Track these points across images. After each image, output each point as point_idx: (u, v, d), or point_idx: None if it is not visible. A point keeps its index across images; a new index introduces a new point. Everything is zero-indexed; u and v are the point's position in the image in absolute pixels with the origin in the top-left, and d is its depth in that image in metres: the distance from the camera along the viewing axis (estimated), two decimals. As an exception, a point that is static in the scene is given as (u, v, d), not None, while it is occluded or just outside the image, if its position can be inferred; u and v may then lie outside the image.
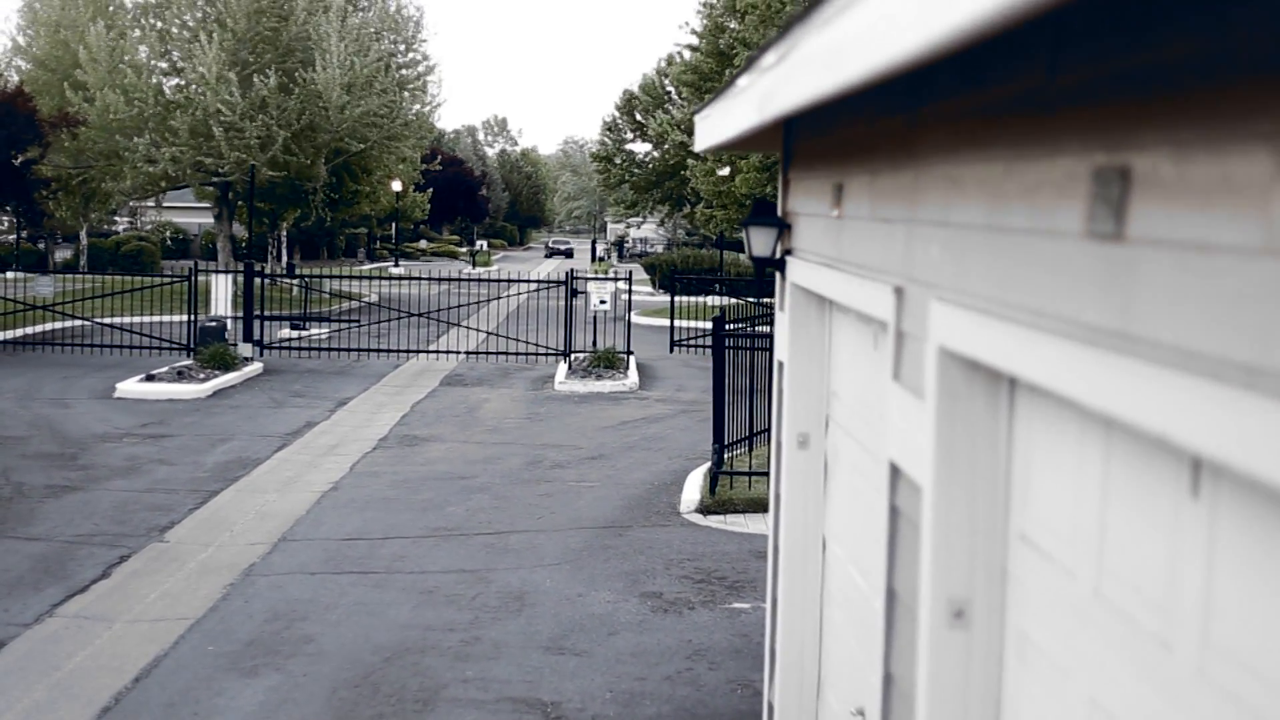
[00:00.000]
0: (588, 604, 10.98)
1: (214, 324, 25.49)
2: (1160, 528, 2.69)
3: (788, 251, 6.67)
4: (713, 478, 14.86)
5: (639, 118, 70.51)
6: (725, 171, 42.56)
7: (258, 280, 27.91)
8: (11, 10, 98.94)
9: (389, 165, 46.42)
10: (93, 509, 14.04)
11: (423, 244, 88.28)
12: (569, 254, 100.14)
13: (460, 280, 32.84)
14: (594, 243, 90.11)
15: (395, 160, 46.44)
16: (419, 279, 31.21)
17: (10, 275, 44.74)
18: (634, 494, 15.30)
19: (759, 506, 13.93)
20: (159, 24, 40.90)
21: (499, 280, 30.95)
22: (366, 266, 68.68)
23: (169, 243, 65.03)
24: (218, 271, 28.92)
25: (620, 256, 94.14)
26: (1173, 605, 2.64)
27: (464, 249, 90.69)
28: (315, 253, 67.45)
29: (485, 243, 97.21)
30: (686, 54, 54.50)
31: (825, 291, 5.60)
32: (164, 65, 40.95)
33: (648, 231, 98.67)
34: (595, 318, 28.87)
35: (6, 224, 67.13)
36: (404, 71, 45.15)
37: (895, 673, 4.31)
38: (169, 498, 14.66)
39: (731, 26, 44.45)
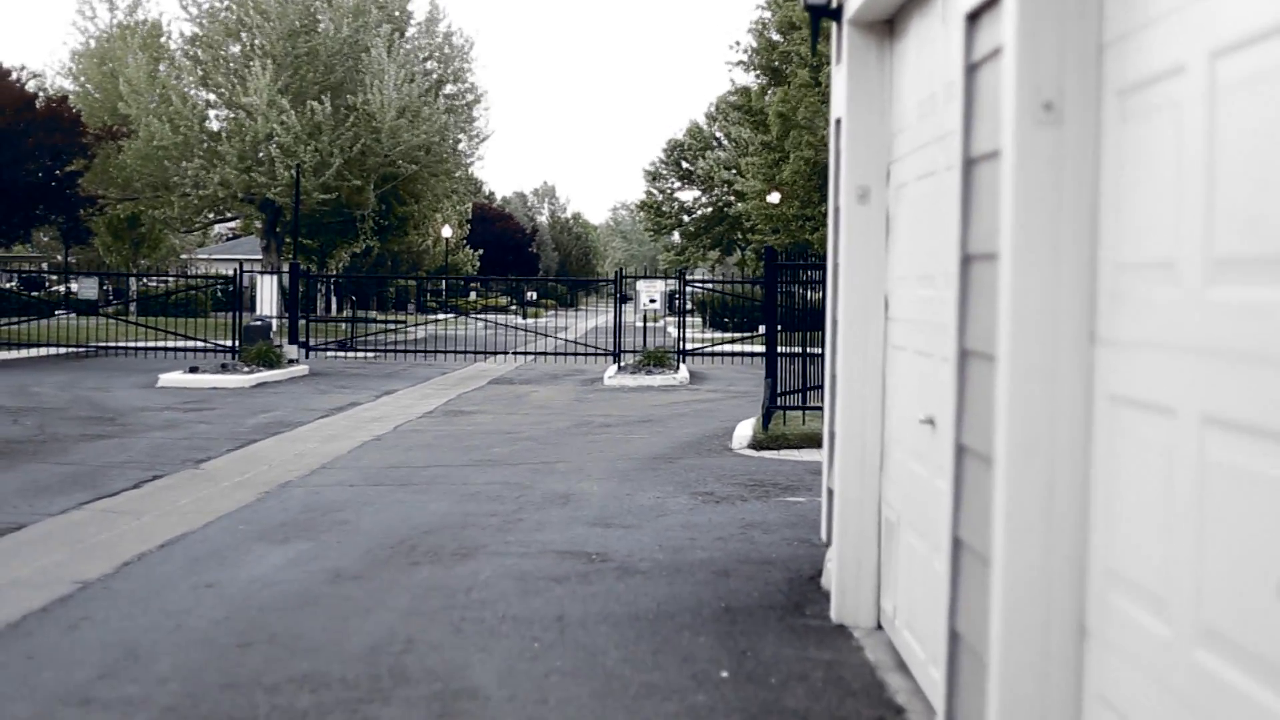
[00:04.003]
0: (635, 499, 10.49)
1: (259, 323, 25.23)
2: None
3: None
4: (766, 413, 14.32)
5: (685, 165, 70.41)
6: (775, 198, 42.23)
7: (304, 321, 27.68)
8: (58, 43, 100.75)
9: (437, 190, 46.28)
10: (128, 449, 13.69)
11: (472, 297, 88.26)
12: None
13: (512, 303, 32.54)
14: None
15: (444, 188, 46.32)
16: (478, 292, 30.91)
17: (59, 313, 44.98)
18: (683, 441, 14.81)
19: (813, 442, 13.37)
20: (201, 54, 41.03)
21: (550, 280, 30.58)
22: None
23: (219, 294, 65.27)
24: (263, 272, 28.72)
25: (670, 309, 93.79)
26: None
27: (514, 305, 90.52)
28: (365, 304, 67.59)
29: (535, 293, 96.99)
30: (738, 74, 54.49)
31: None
32: (210, 97, 41.07)
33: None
34: (645, 328, 28.44)
35: (57, 275, 67.59)
36: (453, 101, 45.01)
37: (974, 249, 3.81)
38: (207, 443, 14.30)
39: (778, 39, 44.18)
